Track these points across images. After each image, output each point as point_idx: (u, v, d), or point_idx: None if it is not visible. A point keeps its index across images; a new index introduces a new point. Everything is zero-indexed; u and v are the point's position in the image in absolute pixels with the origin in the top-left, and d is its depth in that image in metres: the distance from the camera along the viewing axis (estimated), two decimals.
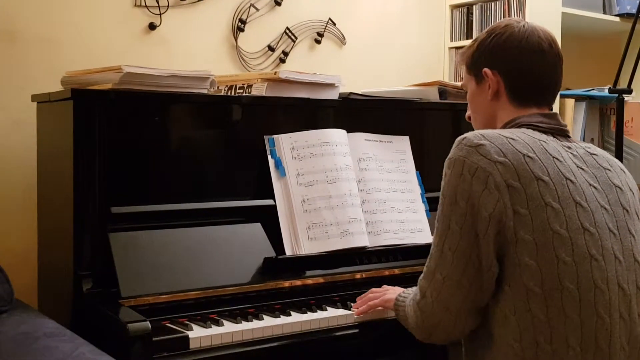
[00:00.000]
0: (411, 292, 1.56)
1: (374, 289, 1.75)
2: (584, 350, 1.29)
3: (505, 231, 1.31)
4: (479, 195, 1.31)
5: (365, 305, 1.71)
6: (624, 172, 1.49)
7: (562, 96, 3.08)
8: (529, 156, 1.34)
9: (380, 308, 1.70)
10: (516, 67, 1.49)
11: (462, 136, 1.38)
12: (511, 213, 1.30)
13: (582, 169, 1.40)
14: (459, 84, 2.39)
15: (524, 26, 1.51)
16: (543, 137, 1.41)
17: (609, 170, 1.44)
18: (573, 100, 3.10)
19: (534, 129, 1.44)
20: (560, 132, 1.46)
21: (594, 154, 1.46)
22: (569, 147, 1.43)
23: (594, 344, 1.29)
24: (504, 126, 1.49)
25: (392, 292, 1.66)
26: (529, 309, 1.29)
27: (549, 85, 1.51)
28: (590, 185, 1.38)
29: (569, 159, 1.39)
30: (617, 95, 2.77)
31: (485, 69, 1.51)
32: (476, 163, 1.33)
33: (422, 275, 1.44)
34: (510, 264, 1.31)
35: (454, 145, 1.38)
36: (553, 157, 1.37)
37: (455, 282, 1.35)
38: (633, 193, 1.46)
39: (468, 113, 1.62)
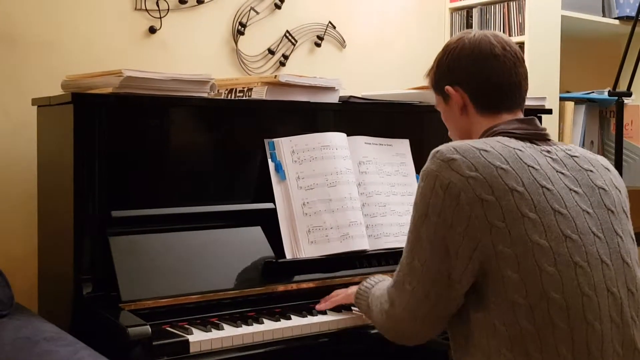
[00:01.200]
0: (374, 281, 1.60)
1: (337, 289, 1.79)
2: (576, 358, 1.28)
3: (483, 248, 1.29)
4: (451, 211, 1.31)
5: (329, 301, 1.75)
6: (608, 170, 1.46)
7: (562, 99, 3.08)
8: (501, 168, 1.32)
9: (343, 302, 1.74)
10: (474, 77, 1.49)
11: (437, 149, 1.38)
12: (487, 228, 1.29)
13: (562, 174, 1.38)
14: None
15: (474, 35, 1.51)
16: (519, 144, 1.39)
17: (591, 171, 1.42)
18: (573, 103, 3.10)
19: (509, 137, 1.42)
20: (539, 137, 1.45)
21: (575, 156, 1.43)
22: (548, 152, 1.41)
23: (585, 351, 1.28)
24: (481, 137, 1.47)
25: (353, 287, 1.70)
26: (517, 321, 1.28)
27: (510, 88, 1.50)
28: (570, 190, 1.36)
29: (547, 165, 1.38)
30: (616, 98, 2.78)
31: (447, 87, 1.52)
32: (448, 178, 1.32)
33: (391, 283, 1.46)
34: (493, 278, 1.30)
35: (429, 157, 1.38)
36: (528, 165, 1.35)
37: (423, 293, 1.36)
38: (620, 191, 1.44)
39: (450, 132, 1.62)
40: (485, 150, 1.35)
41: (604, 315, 1.30)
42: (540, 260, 1.28)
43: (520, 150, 1.38)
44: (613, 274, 1.34)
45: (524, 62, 1.52)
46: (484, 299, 1.33)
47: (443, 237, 1.32)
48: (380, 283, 1.59)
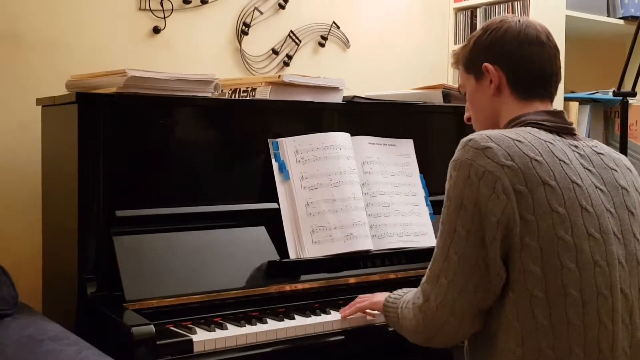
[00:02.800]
0: (402, 292, 1.55)
1: (361, 295, 1.74)
2: (587, 356, 1.28)
3: (511, 237, 1.29)
4: (486, 199, 1.29)
5: (353, 307, 1.70)
6: (630, 171, 1.46)
7: (567, 99, 3.07)
8: (535, 159, 1.32)
9: (368, 311, 1.70)
10: (516, 59, 1.47)
11: (468, 137, 1.36)
12: (518, 219, 1.28)
13: (589, 170, 1.37)
14: None
15: (519, 20, 1.50)
16: (549, 137, 1.39)
17: (615, 170, 1.41)
18: (577, 103, 3.10)
19: (539, 128, 1.41)
20: (566, 131, 1.44)
21: (601, 154, 1.43)
22: (576, 146, 1.40)
23: (596, 350, 1.29)
24: (508, 124, 1.46)
25: (379, 296, 1.65)
26: (533, 315, 1.28)
27: (550, 77, 1.49)
28: (596, 188, 1.36)
29: (575, 159, 1.37)
30: (621, 98, 2.77)
31: (486, 64, 1.48)
32: (484, 166, 1.30)
33: (424, 278, 1.42)
34: (515, 269, 1.30)
35: (460, 147, 1.36)
36: (559, 159, 1.34)
37: (460, 286, 1.34)
38: (639, 193, 1.44)
39: (467, 114, 1.59)
40: (519, 141, 1.34)
41: (616, 316, 1.31)
42: (563, 256, 1.28)
43: (551, 143, 1.37)
44: (627, 276, 1.34)
45: (559, 55, 1.52)
46: (502, 291, 1.33)
47: (479, 227, 1.30)
48: (409, 292, 1.54)
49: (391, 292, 1.61)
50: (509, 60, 1.47)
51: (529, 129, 1.41)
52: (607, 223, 1.34)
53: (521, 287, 1.29)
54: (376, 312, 1.69)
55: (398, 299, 1.54)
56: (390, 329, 1.65)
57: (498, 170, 1.29)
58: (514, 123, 1.45)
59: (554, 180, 1.31)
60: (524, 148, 1.33)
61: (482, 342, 1.38)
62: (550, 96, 1.50)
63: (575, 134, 1.46)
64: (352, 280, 1.91)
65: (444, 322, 1.37)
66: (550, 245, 1.28)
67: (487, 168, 1.30)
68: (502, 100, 1.49)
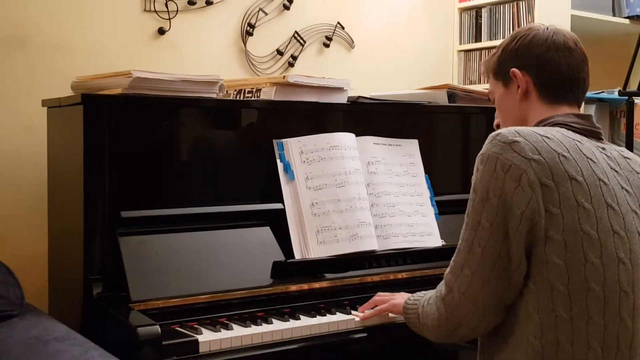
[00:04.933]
0: (420, 297, 1.55)
1: (380, 293, 1.75)
2: (605, 352, 1.29)
3: (536, 230, 1.30)
4: (511, 192, 1.31)
5: (374, 310, 1.71)
6: None
7: None
8: (563, 155, 1.33)
9: (388, 313, 1.69)
10: (544, 64, 1.48)
11: (496, 132, 1.37)
12: (543, 212, 1.29)
13: (616, 171, 1.39)
14: (468, 87, 2.39)
15: (547, 28, 1.52)
16: (577, 137, 1.40)
17: None
18: (583, 102, 3.09)
19: (568, 129, 1.42)
20: (594, 134, 1.45)
21: (628, 158, 1.45)
22: (604, 149, 1.43)
23: (615, 346, 1.29)
24: (537, 125, 1.47)
25: (399, 297, 1.65)
26: (553, 308, 1.29)
27: (577, 82, 1.50)
28: (622, 188, 1.37)
29: (603, 160, 1.39)
30: (627, 97, 2.76)
31: (514, 69, 1.51)
32: (510, 160, 1.32)
33: (448, 269, 1.43)
34: (538, 261, 1.31)
35: (488, 141, 1.37)
36: (587, 157, 1.36)
37: (484, 278, 1.34)
38: None
39: (497, 121, 1.61)
40: (547, 137, 1.35)
41: (637, 314, 1.32)
42: (587, 251, 1.29)
43: (579, 142, 1.38)
44: None
45: (588, 62, 1.53)
46: (523, 283, 1.33)
47: (504, 220, 1.31)
48: (429, 291, 1.53)
49: (400, 291, 1.62)
50: (536, 64, 1.49)
51: (557, 128, 1.42)
52: (632, 222, 1.35)
53: (543, 280, 1.30)
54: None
55: (418, 300, 1.55)
56: (397, 329, 1.65)
57: (524, 164, 1.31)
58: (543, 123, 1.47)
59: (581, 176, 1.32)
60: (552, 144, 1.34)
61: (499, 333, 1.39)
62: (577, 101, 1.52)
63: (602, 139, 1.47)
64: (357, 281, 1.90)
65: (467, 313, 1.38)
66: (575, 239, 1.29)
67: (514, 161, 1.31)
68: (530, 104, 1.51)
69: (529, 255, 1.32)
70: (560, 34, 1.50)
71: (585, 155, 1.36)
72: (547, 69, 1.48)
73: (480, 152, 1.38)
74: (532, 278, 1.32)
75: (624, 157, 1.44)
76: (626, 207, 1.36)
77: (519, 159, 1.31)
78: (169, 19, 2.40)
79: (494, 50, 1.59)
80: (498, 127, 1.60)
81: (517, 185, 1.30)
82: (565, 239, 1.29)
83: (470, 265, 1.36)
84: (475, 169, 1.38)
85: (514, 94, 1.52)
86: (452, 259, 1.41)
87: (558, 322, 1.29)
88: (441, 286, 1.44)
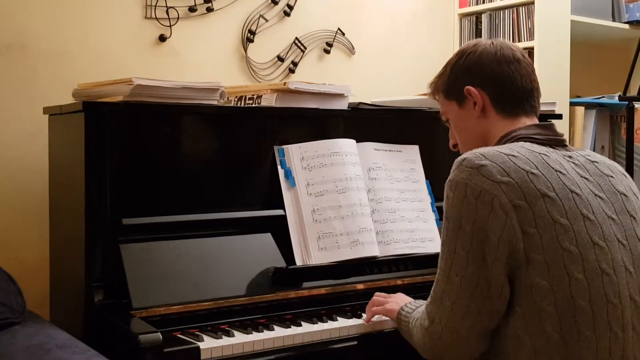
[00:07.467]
0: (415, 306, 1.55)
1: (378, 293, 1.75)
2: None
3: (515, 254, 1.28)
4: (485, 218, 1.29)
5: (369, 312, 1.71)
6: (626, 176, 1.46)
7: (572, 104, 3.07)
8: (532, 172, 1.31)
9: (381, 314, 1.70)
10: (498, 78, 1.48)
11: (462, 157, 1.36)
12: (520, 234, 1.28)
13: (586, 179, 1.37)
14: None
15: (492, 42, 1.52)
16: (543, 149, 1.39)
17: (612, 177, 1.41)
18: (583, 108, 3.09)
19: (532, 142, 1.41)
20: (558, 142, 1.44)
21: (595, 162, 1.43)
22: (570, 157, 1.41)
23: (608, 359, 1.28)
24: (499, 141, 1.47)
25: (394, 303, 1.65)
26: (543, 329, 1.27)
27: (532, 92, 1.51)
28: (595, 195, 1.35)
29: (572, 169, 1.37)
30: (627, 102, 2.77)
31: (468, 87, 1.50)
32: (479, 185, 1.30)
33: (429, 299, 1.42)
34: (521, 285, 1.29)
35: (454, 167, 1.36)
36: (556, 170, 1.34)
37: (464, 308, 1.33)
38: (637, 197, 1.43)
39: (452, 141, 1.60)
40: (514, 156, 1.33)
41: (626, 324, 1.30)
42: (569, 267, 1.27)
43: (545, 155, 1.37)
44: (635, 282, 1.33)
45: (535, 71, 1.54)
46: (509, 307, 1.32)
47: (479, 246, 1.30)
48: (420, 307, 1.54)
49: (408, 295, 1.63)
50: (490, 80, 1.49)
51: (521, 143, 1.41)
52: (610, 230, 1.33)
53: (529, 302, 1.29)
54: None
55: (410, 314, 1.54)
56: (398, 336, 1.65)
57: (494, 188, 1.29)
58: (505, 139, 1.46)
59: (552, 191, 1.30)
60: (519, 162, 1.32)
61: (492, 357, 1.37)
62: (534, 110, 1.52)
63: (566, 145, 1.46)
64: (358, 287, 1.90)
65: (450, 343, 1.37)
66: (555, 258, 1.27)
67: (483, 187, 1.30)
68: (489, 120, 1.50)
69: (512, 280, 1.30)
70: (507, 47, 1.51)
71: (553, 168, 1.34)
72: (502, 82, 1.48)
73: (448, 178, 1.36)
74: (518, 301, 1.30)
75: (592, 162, 1.42)
76: (602, 215, 1.33)
77: (488, 183, 1.29)
78: (170, 26, 2.41)
79: (440, 70, 1.58)
80: (455, 147, 1.60)
81: (490, 210, 1.28)
82: (547, 259, 1.27)
83: (449, 295, 1.34)
84: (445, 195, 1.37)
85: (470, 111, 1.51)
86: (432, 288, 1.40)
87: (550, 342, 1.27)
88: (424, 315, 1.43)
